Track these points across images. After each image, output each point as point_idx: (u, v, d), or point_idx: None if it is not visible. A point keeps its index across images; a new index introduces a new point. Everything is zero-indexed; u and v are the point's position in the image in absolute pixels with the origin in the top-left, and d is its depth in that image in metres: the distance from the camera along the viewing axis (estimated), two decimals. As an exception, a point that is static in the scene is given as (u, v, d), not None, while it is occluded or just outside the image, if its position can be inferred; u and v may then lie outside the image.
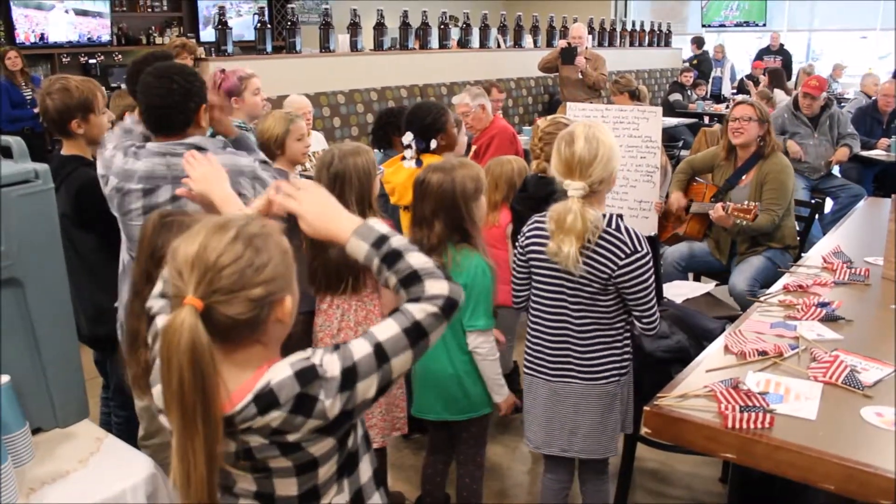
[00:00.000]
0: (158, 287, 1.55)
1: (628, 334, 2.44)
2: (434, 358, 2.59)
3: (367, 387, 1.31)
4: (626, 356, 2.44)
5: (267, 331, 1.31)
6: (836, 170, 6.06)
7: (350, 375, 1.30)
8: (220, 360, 1.28)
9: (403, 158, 3.33)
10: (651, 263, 2.32)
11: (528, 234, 2.46)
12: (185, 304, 1.21)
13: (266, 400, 1.26)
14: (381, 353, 1.32)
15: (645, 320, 2.36)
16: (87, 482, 1.80)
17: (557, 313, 2.41)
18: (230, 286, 1.23)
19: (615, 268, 2.28)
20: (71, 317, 2.02)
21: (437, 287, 1.38)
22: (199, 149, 2.30)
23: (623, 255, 2.28)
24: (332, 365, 1.30)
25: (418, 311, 1.35)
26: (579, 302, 2.36)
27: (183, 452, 1.22)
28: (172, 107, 2.33)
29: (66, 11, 8.50)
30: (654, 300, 2.36)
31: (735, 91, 11.01)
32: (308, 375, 1.28)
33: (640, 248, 2.29)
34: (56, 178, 2.60)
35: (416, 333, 1.34)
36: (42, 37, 8.34)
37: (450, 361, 2.57)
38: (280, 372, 1.28)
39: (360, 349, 1.32)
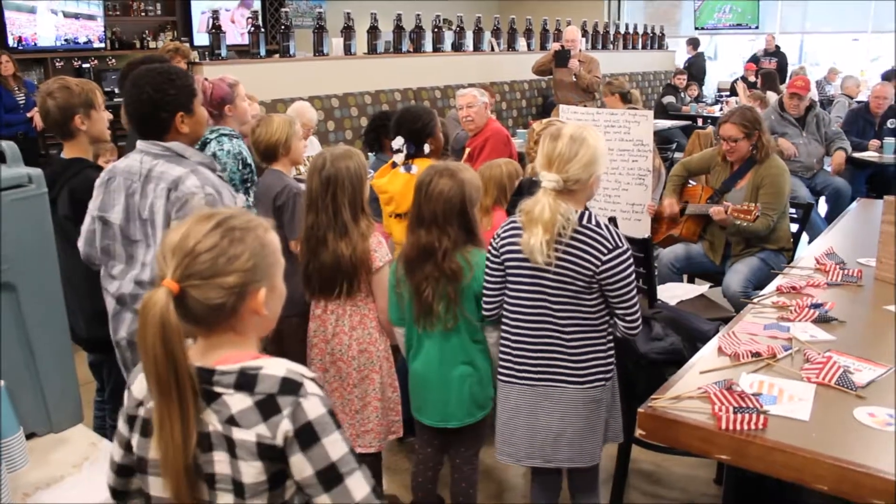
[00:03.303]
0: None
1: (612, 337, 2.43)
2: (453, 364, 2.58)
3: (301, 463, 1.31)
4: (610, 360, 2.42)
5: (241, 319, 1.35)
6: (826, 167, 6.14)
7: (311, 435, 1.30)
8: (199, 338, 1.37)
9: (394, 165, 3.32)
10: (632, 262, 2.32)
11: (503, 236, 2.43)
12: (161, 285, 1.28)
13: (247, 378, 1.31)
14: (333, 474, 1.32)
15: (628, 319, 2.36)
16: (81, 487, 1.79)
17: (539, 315, 2.37)
18: (204, 271, 1.30)
19: (599, 263, 2.27)
20: (65, 321, 2.02)
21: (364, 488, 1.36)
22: (179, 155, 2.34)
23: (605, 251, 2.27)
24: (313, 407, 1.32)
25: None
26: (562, 301, 2.34)
27: (161, 421, 1.29)
28: (143, 117, 2.34)
29: (55, 13, 8.47)
30: (637, 300, 2.35)
31: (728, 93, 11.04)
32: (291, 387, 1.32)
33: (621, 244, 2.29)
34: (58, 180, 2.61)
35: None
36: (34, 41, 8.32)
37: (469, 361, 2.58)
38: (274, 367, 1.34)
39: (333, 450, 1.32)
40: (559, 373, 2.38)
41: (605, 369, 2.40)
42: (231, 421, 1.30)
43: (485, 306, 2.51)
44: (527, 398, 2.41)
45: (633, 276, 2.32)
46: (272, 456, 1.31)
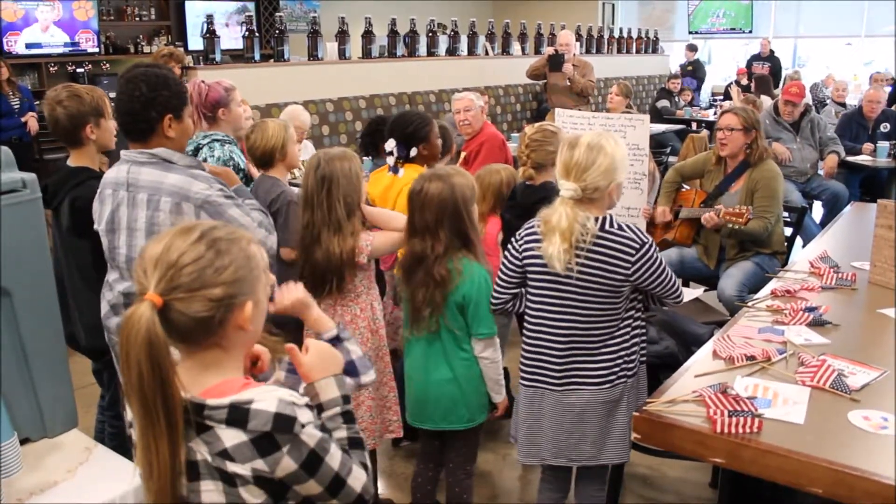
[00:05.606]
0: None
1: (637, 332, 2.41)
2: (434, 367, 2.59)
3: (310, 485, 1.32)
4: (633, 356, 2.40)
5: (227, 335, 1.32)
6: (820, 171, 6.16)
7: (316, 460, 1.31)
8: (182, 357, 1.32)
9: (390, 168, 3.33)
10: (657, 248, 2.32)
11: (526, 239, 2.42)
12: (144, 300, 1.24)
13: (238, 414, 1.25)
14: (337, 482, 1.35)
15: (672, 298, 2.39)
16: (75, 492, 1.79)
17: (563, 321, 2.36)
18: (189, 284, 1.26)
19: (628, 266, 2.26)
20: (59, 326, 2.01)
21: (362, 476, 1.41)
22: (165, 161, 2.31)
23: (634, 252, 2.26)
24: (310, 437, 1.30)
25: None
26: (587, 307, 2.32)
27: (146, 442, 1.24)
28: (133, 114, 2.29)
29: (54, 21, 8.48)
30: (672, 275, 2.36)
31: (722, 97, 11.08)
32: (285, 424, 1.27)
33: (645, 239, 2.29)
34: (62, 189, 2.59)
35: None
36: (29, 46, 8.32)
37: (450, 367, 2.57)
38: (265, 400, 1.27)
39: (334, 461, 1.34)
40: (582, 375, 2.37)
41: (629, 367, 2.39)
42: (224, 454, 1.26)
43: (493, 300, 2.52)
44: (550, 401, 2.41)
45: (662, 261, 2.32)
46: (268, 482, 1.29)
